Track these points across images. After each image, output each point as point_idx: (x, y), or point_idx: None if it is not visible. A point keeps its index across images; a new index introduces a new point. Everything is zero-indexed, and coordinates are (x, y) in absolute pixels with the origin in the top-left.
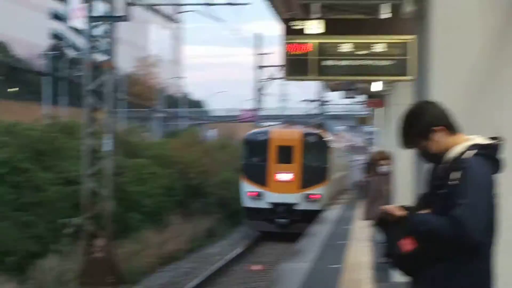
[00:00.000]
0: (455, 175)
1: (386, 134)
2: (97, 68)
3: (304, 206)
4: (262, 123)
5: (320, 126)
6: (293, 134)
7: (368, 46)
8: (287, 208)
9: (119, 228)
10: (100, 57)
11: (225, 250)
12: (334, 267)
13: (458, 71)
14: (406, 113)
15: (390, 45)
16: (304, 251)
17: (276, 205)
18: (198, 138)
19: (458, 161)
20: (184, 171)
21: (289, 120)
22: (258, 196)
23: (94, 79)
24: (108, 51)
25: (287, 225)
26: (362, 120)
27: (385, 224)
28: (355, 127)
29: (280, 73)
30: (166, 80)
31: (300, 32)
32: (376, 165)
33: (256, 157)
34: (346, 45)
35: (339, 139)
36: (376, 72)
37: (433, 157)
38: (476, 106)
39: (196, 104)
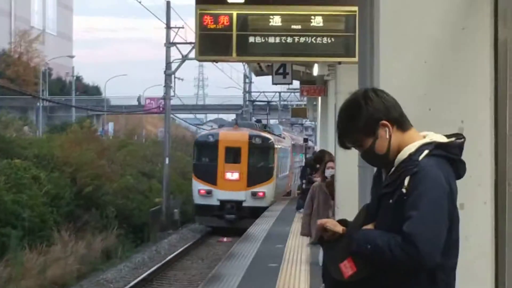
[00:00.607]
0: (405, 181)
1: (325, 129)
2: None
3: (250, 203)
4: (175, 115)
5: (265, 127)
6: (240, 136)
7: (301, 19)
8: (235, 205)
9: None
10: None
11: (126, 274)
12: None
13: (411, 51)
14: (344, 104)
15: (328, 18)
16: (225, 276)
17: (224, 202)
18: (92, 133)
19: (410, 163)
20: (74, 176)
21: (236, 122)
22: (208, 193)
23: None
24: None
25: (235, 220)
26: (297, 112)
27: (324, 242)
28: (293, 122)
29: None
30: (51, 59)
31: (217, 0)
32: (322, 167)
33: (206, 158)
34: (273, 18)
35: (282, 139)
36: (312, 51)
37: (379, 158)
38: (434, 94)
39: (90, 90)
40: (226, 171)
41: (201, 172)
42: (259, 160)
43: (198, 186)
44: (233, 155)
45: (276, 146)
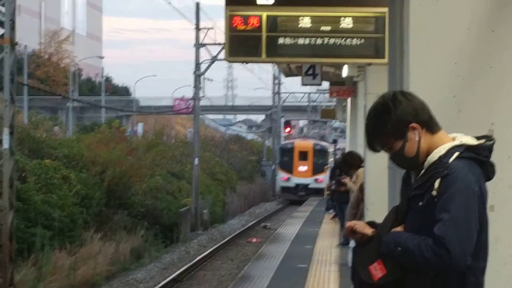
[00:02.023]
0: (436, 183)
1: (354, 130)
2: None
3: (314, 185)
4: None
5: (323, 138)
6: (307, 144)
7: (331, 20)
8: (304, 186)
9: (19, 247)
10: None
11: (155, 274)
12: None
13: (441, 53)
14: (373, 108)
15: (358, 19)
16: (254, 276)
17: (298, 184)
18: (121, 133)
19: (440, 165)
20: (104, 176)
21: (304, 135)
22: (288, 179)
23: None
24: (7, 23)
25: (304, 196)
26: (326, 113)
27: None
28: (324, 122)
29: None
30: (81, 60)
31: (247, 1)
32: (354, 169)
33: (286, 157)
34: (303, 19)
35: (332, 144)
36: (342, 53)
37: (409, 161)
38: (464, 96)
39: (120, 91)
40: (299, 166)
41: (284, 166)
42: (319, 159)
43: (282, 175)
44: (303, 156)
45: (328, 150)
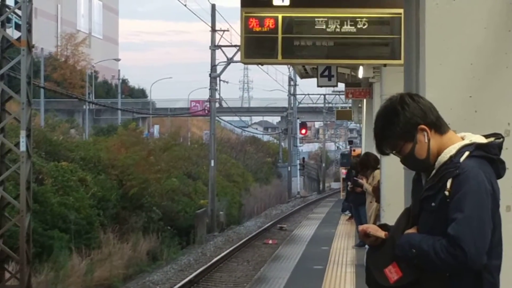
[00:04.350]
0: (448, 183)
1: (370, 132)
2: (9, 47)
3: None
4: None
5: None
6: (359, 150)
7: (346, 22)
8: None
9: (36, 249)
10: (13, 34)
11: (172, 276)
12: None
13: (457, 53)
14: (381, 111)
15: (374, 20)
16: (270, 278)
17: None
18: (138, 135)
19: (451, 165)
20: (120, 178)
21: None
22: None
23: (5, 61)
24: (23, 26)
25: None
26: (341, 114)
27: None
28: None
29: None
30: (98, 62)
31: (262, 3)
32: (371, 170)
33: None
34: (318, 20)
35: None
36: (358, 54)
37: (420, 163)
38: (480, 96)
39: (136, 93)
40: None
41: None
42: None
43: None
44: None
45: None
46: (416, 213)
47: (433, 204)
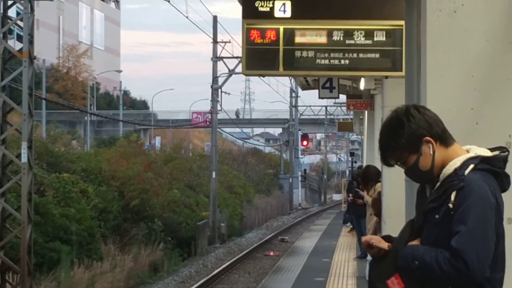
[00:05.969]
0: (452, 196)
1: (371, 143)
2: (11, 59)
3: None
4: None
5: None
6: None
7: (348, 33)
8: None
9: (37, 260)
10: (14, 45)
11: None
12: None
13: (458, 66)
14: (386, 122)
15: (375, 32)
16: None
17: None
18: (139, 147)
19: (456, 178)
20: (121, 190)
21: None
22: None
23: (6, 73)
24: (25, 37)
25: None
26: (343, 126)
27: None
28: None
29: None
30: (99, 74)
31: (264, 15)
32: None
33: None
34: (319, 32)
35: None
36: (359, 66)
37: (424, 175)
38: (482, 109)
39: (138, 104)
40: None
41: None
42: None
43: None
44: None
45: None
46: (420, 225)
47: (437, 216)
